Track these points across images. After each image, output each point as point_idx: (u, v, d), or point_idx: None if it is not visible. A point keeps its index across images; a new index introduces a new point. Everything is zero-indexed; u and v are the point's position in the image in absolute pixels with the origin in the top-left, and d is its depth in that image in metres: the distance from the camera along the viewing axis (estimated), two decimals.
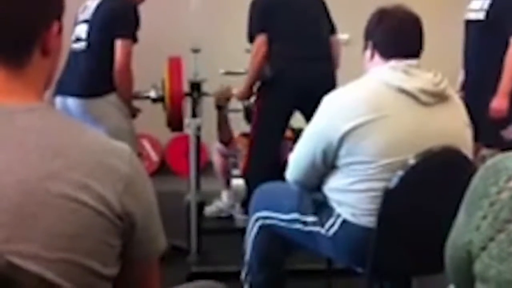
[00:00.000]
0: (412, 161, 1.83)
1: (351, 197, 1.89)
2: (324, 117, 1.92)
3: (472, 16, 3.25)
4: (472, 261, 1.00)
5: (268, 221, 2.14)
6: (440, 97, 1.91)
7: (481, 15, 3.18)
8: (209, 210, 3.67)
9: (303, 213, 2.03)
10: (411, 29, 1.99)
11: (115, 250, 1.00)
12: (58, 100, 3.05)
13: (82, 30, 3.11)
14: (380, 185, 1.84)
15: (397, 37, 1.97)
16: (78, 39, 3.10)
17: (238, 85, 3.71)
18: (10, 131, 0.96)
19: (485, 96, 3.14)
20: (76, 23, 3.14)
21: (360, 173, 1.86)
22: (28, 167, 0.93)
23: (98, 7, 3.10)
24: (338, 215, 1.93)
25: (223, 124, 3.49)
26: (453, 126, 1.95)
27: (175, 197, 3.43)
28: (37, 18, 1.01)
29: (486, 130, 3.04)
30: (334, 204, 1.95)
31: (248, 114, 3.58)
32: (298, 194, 2.07)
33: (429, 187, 1.88)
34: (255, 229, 2.19)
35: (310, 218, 2.01)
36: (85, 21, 3.12)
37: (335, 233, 1.94)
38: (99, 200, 0.95)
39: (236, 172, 3.75)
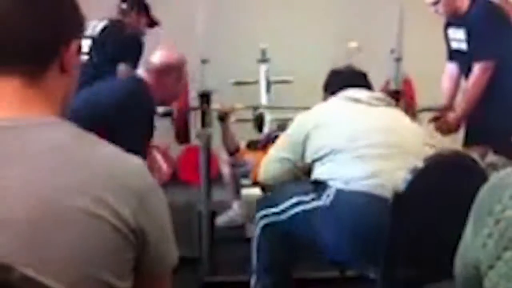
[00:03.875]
0: (420, 165, 1.87)
1: (338, 175, 2.07)
2: (292, 127, 2.33)
3: (455, 45, 3.26)
4: (481, 277, 0.99)
5: (270, 218, 2.19)
6: (384, 102, 2.31)
7: (463, 45, 3.20)
8: (220, 220, 3.67)
9: (304, 194, 2.13)
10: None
11: (130, 263, 0.99)
12: None
13: (84, 44, 3.19)
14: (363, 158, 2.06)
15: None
16: None
17: (247, 95, 3.74)
18: (24, 146, 0.96)
19: (492, 103, 3.14)
20: None
21: (335, 160, 2.10)
22: (43, 181, 0.93)
23: (105, 28, 3.24)
24: (332, 186, 2.06)
25: (226, 136, 3.47)
26: (395, 119, 2.29)
27: (186, 207, 3.44)
28: (57, 34, 1.01)
29: (497, 137, 3.05)
30: (326, 181, 2.11)
31: (259, 123, 3.58)
32: (296, 182, 2.24)
33: (438, 190, 1.91)
34: (258, 231, 2.23)
35: (310, 196, 2.12)
36: (89, 37, 3.23)
37: (331, 203, 2.03)
38: (114, 215, 0.95)
39: (246, 181, 3.75)
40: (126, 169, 1.00)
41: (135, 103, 2.55)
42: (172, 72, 2.75)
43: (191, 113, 3.06)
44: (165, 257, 1.07)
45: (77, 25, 1.06)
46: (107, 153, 1.01)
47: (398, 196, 1.85)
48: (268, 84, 3.83)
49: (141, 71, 2.77)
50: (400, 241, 1.88)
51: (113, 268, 0.96)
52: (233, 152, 3.54)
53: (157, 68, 2.73)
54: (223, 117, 3.23)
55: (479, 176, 1.97)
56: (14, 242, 0.91)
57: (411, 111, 3.02)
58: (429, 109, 3.27)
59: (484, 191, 1.01)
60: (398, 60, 2.96)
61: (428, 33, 3.54)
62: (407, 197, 1.85)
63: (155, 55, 2.79)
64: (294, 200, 2.15)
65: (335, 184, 2.06)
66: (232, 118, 3.45)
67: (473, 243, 1.00)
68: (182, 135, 3.09)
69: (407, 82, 3.05)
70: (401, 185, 1.85)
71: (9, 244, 0.90)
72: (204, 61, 3.05)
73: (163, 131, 3.24)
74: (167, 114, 3.15)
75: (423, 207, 1.89)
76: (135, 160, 1.02)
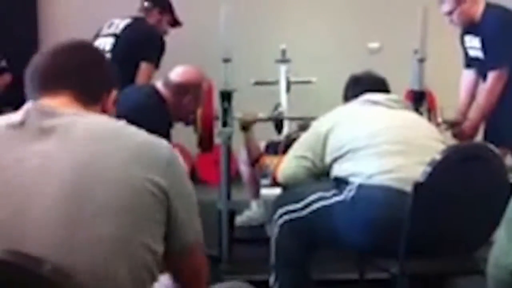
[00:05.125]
0: (439, 157, 1.93)
1: (359, 171, 2.08)
2: (312, 127, 2.37)
3: (473, 53, 3.27)
4: None
5: (290, 215, 2.21)
6: (401, 104, 2.38)
7: (480, 53, 3.20)
8: (239, 219, 3.67)
9: (324, 190, 2.16)
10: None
11: (162, 227, 1.08)
12: None
13: (107, 42, 3.22)
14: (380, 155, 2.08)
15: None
16: None
17: (267, 95, 3.73)
18: (59, 124, 1.07)
19: (510, 107, 3.13)
20: (98, 35, 3.25)
21: (356, 158, 2.12)
22: (78, 150, 1.04)
23: (128, 26, 3.26)
24: (353, 182, 2.08)
25: (249, 145, 3.44)
26: (412, 118, 2.37)
27: (205, 206, 3.42)
28: (101, 82, 1.23)
29: None
30: (347, 178, 2.13)
31: (277, 124, 3.57)
32: (317, 181, 2.27)
33: (457, 182, 1.94)
34: (277, 228, 2.25)
35: (331, 192, 2.14)
36: (112, 35, 3.23)
37: (353, 197, 2.05)
38: (147, 177, 1.06)
39: (265, 181, 3.74)
40: (155, 143, 1.13)
41: (150, 117, 2.54)
42: (190, 91, 2.75)
43: (215, 121, 3.03)
44: (192, 226, 1.16)
45: (115, 77, 1.28)
46: (136, 131, 1.14)
47: (418, 188, 1.89)
48: (288, 84, 3.82)
49: (159, 85, 2.76)
50: (420, 233, 1.90)
51: (147, 228, 1.05)
52: (255, 160, 3.51)
53: (175, 85, 2.72)
54: (246, 127, 3.21)
55: (498, 167, 2.01)
56: (56, 202, 0.99)
57: (434, 121, 3.01)
58: (445, 122, 3.25)
59: None
60: (422, 60, 2.94)
61: (452, 35, 3.51)
62: (426, 188, 1.89)
63: (175, 71, 2.78)
64: (314, 196, 2.17)
65: (356, 180, 2.08)
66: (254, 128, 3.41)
67: (508, 246, 0.98)
68: (206, 143, 3.07)
69: (428, 95, 3.04)
70: (420, 177, 1.90)
71: (51, 208, 0.98)
72: (226, 60, 3.05)
73: (183, 135, 3.24)
74: (190, 122, 3.12)
75: (443, 199, 1.93)
76: (162, 140, 1.15)
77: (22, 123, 1.06)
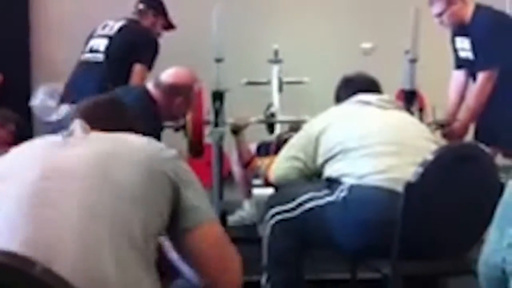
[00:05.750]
0: (430, 157, 1.93)
1: (351, 171, 2.09)
2: (304, 128, 2.37)
3: (463, 54, 3.29)
4: (507, 279, 0.98)
5: (283, 215, 2.21)
6: (393, 104, 2.37)
7: (470, 54, 3.22)
8: (231, 219, 3.67)
9: (317, 190, 2.16)
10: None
11: (167, 203, 1.23)
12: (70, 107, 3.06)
13: (101, 43, 3.23)
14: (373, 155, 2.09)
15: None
16: (94, 51, 3.21)
17: (259, 95, 3.73)
18: (89, 136, 1.34)
19: (501, 106, 3.15)
20: (92, 36, 3.25)
21: (348, 158, 2.12)
22: (99, 148, 1.26)
23: (124, 27, 3.28)
24: (345, 182, 2.09)
25: (240, 148, 3.44)
26: (404, 118, 2.36)
27: None
28: (125, 125, 1.48)
29: (506, 140, 3.06)
30: (339, 178, 2.13)
31: (270, 125, 3.58)
32: (309, 181, 2.28)
33: (449, 182, 1.95)
34: (269, 229, 2.24)
35: (323, 192, 2.14)
36: (106, 36, 3.23)
37: (344, 197, 2.06)
38: (159, 164, 1.24)
39: (257, 181, 3.74)
40: (161, 145, 1.32)
41: (139, 118, 2.54)
42: (181, 92, 2.74)
43: (205, 126, 3.02)
44: (199, 207, 1.26)
45: (134, 122, 1.56)
46: (142, 138, 1.33)
47: (409, 188, 1.89)
48: (280, 84, 3.83)
49: (150, 86, 2.76)
50: (412, 234, 1.90)
51: (156, 205, 1.21)
52: (247, 163, 3.51)
53: (166, 86, 2.72)
54: (236, 131, 3.20)
55: (489, 166, 2.02)
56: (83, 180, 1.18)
57: (425, 121, 3.02)
58: (435, 123, 3.27)
59: (509, 191, 1.01)
60: (413, 61, 2.95)
61: (443, 36, 3.53)
62: (418, 188, 1.89)
63: (166, 72, 2.77)
64: (306, 196, 2.17)
65: (348, 180, 2.09)
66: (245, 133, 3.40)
67: (499, 244, 0.99)
68: (196, 148, 3.06)
69: (418, 97, 3.06)
70: (412, 178, 1.90)
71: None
72: (218, 60, 3.05)
73: (174, 140, 3.23)
74: (180, 128, 3.11)
75: (434, 199, 1.93)
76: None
77: (71, 133, 1.33)
